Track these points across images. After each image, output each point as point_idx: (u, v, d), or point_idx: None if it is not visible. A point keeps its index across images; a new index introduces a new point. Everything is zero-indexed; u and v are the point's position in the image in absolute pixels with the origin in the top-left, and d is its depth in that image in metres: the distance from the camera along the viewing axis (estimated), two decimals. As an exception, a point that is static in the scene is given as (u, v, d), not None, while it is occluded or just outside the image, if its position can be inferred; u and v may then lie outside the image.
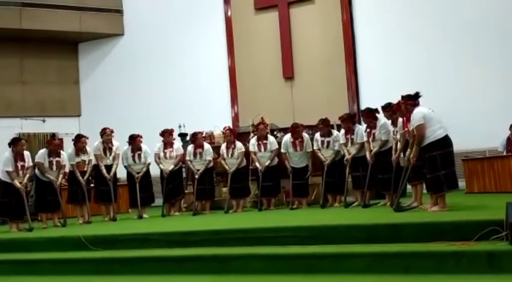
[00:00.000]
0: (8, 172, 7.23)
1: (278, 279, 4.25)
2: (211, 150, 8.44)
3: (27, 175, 7.41)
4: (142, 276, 4.71)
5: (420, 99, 5.82)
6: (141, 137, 8.38)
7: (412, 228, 4.57)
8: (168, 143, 8.46)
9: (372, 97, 9.95)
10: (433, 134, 5.52)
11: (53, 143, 7.70)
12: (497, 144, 9.38)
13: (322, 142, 7.80)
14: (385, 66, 10.98)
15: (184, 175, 9.11)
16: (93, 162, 8.08)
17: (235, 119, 12.02)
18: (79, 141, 8.00)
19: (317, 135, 7.90)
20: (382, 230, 4.66)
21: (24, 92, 13.05)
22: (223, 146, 8.35)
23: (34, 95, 13.09)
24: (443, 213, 5.25)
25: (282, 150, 8.01)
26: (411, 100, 5.81)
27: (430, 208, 5.68)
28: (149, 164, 8.36)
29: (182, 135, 10.63)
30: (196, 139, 8.40)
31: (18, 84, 13.05)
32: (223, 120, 10.71)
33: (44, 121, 12.93)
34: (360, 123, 7.94)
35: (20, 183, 7.23)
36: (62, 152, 7.79)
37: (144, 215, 8.20)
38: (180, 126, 10.87)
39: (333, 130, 7.96)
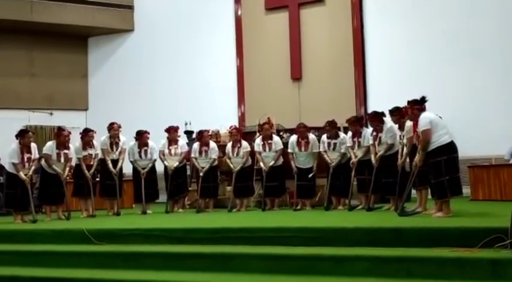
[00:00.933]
0: (14, 164, 7.27)
1: (279, 279, 4.26)
2: (216, 148, 8.45)
3: (33, 167, 7.45)
4: (143, 272, 4.71)
5: (427, 104, 5.82)
6: (149, 133, 8.40)
7: (415, 233, 4.56)
8: (172, 140, 8.47)
9: (379, 101, 9.92)
10: (438, 140, 5.51)
11: (62, 135, 7.69)
12: (504, 152, 9.34)
13: (329, 144, 7.79)
14: (394, 72, 10.95)
15: (188, 172, 9.13)
16: (100, 156, 8.11)
17: (242, 118, 12.01)
18: (86, 135, 8.03)
19: (324, 137, 7.89)
20: (385, 233, 4.65)
21: (32, 84, 13.10)
22: (229, 145, 8.36)
23: (42, 87, 13.13)
24: (447, 219, 5.24)
25: (289, 150, 8.01)
26: (417, 105, 5.81)
27: (434, 214, 5.67)
28: (155, 160, 8.40)
29: (188, 133, 10.66)
30: (202, 137, 8.42)
31: (27, 77, 13.10)
32: (230, 119, 10.71)
33: (51, 114, 12.97)
34: (367, 127, 7.92)
35: (26, 175, 7.27)
36: (70, 144, 7.81)
37: (148, 211, 8.22)
38: (186, 124, 10.88)
39: (339, 132, 7.94)
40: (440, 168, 5.48)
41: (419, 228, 4.67)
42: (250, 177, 8.35)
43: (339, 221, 5.75)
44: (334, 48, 11.59)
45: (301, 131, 7.95)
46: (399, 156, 6.53)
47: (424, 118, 5.60)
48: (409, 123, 6.15)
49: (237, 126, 9.48)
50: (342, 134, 7.87)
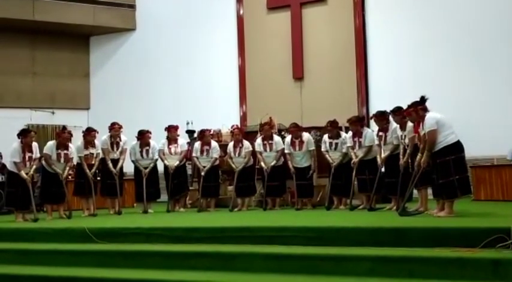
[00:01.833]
0: (15, 163, 7.28)
1: (280, 278, 4.25)
2: (218, 148, 8.45)
3: (34, 166, 7.45)
4: (145, 271, 4.71)
5: (429, 105, 5.79)
6: (150, 133, 8.41)
7: (417, 232, 4.55)
8: (172, 139, 8.46)
9: (381, 101, 9.91)
10: (445, 139, 5.48)
11: (62, 136, 7.71)
12: (506, 152, 9.32)
13: (330, 144, 7.78)
14: (396, 71, 10.93)
15: (189, 172, 9.12)
16: (101, 155, 8.12)
17: (244, 118, 12.01)
18: (89, 134, 8.05)
19: (325, 137, 7.88)
20: (387, 233, 4.64)
21: (34, 83, 13.12)
22: (231, 145, 8.36)
23: (44, 86, 13.15)
24: (449, 219, 5.22)
25: (286, 151, 8.03)
26: (420, 105, 5.78)
27: (436, 213, 5.65)
28: (156, 159, 8.41)
29: (190, 132, 10.65)
30: (203, 136, 8.42)
31: (29, 76, 13.12)
32: (232, 119, 10.72)
33: (53, 113, 12.99)
34: (368, 127, 7.90)
35: (27, 174, 7.28)
36: (70, 144, 7.81)
37: (149, 210, 8.22)
38: (187, 123, 10.89)
39: (341, 132, 7.93)
40: (449, 168, 5.43)
41: (421, 228, 4.65)
42: (252, 176, 8.35)
43: (340, 221, 5.74)
44: (336, 47, 11.58)
45: (293, 130, 7.99)
46: (401, 157, 6.52)
47: (430, 118, 5.55)
48: (410, 123, 6.13)
49: (239, 125, 9.48)
50: (343, 134, 7.86)
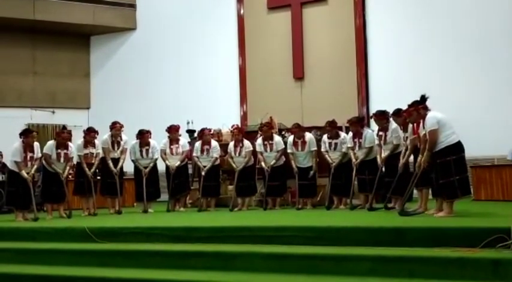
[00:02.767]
0: (16, 162, 7.29)
1: (281, 278, 4.25)
2: (218, 147, 8.45)
3: (35, 166, 7.46)
4: (145, 270, 4.70)
5: (430, 105, 5.79)
6: (150, 133, 8.42)
7: (417, 232, 4.54)
8: (174, 139, 8.47)
9: (382, 101, 9.91)
10: (446, 139, 5.45)
11: (61, 136, 7.72)
12: (506, 152, 9.32)
13: (330, 144, 7.79)
14: (396, 71, 10.94)
15: (190, 171, 9.12)
16: (101, 155, 8.12)
17: (244, 117, 12.01)
18: (89, 135, 8.06)
19: (324, 137, 7.89)
20: (387, 233, 4.64)
21: (35, 83, 13.13)
22: (231, 145, 8.36)
23: (45, 86, 13.16)
24: (449, 219, 5.22)
25: (288, 151, 8.03)
26: (420, 104, 5.77)
27: (436, 214, 5.65)
28: (156, 159, 8.41)
29: (190, 132, 10.65)
30: (203, 135, 8.42)
31: (29, 75, 13.12)
32: (232, 119, 10.73)
33: (53, 112, 12.99)
34: (368, 127, 7.89)
35: (28, 173, 7.28)
36: (70, 144, 7.82)
37: (150, 210, 8.23)
38: (188, 123, 10.88)
39: (340, 132, 7.93)
40: (450, 168, 5.42)
41: (421, 228, 4.65)
42: (252, 176, 8.34)
43: (340, 221, 5.74)
44: (337, 47, 11.59)
45: (295, 131, 8.00)
46: (401, 157, 6.51)
47: (432, 118, 5.52)
48: (411, 125, 6.12)
49: (239, 125, 9.48)
50: (342, 134, 7.87)
